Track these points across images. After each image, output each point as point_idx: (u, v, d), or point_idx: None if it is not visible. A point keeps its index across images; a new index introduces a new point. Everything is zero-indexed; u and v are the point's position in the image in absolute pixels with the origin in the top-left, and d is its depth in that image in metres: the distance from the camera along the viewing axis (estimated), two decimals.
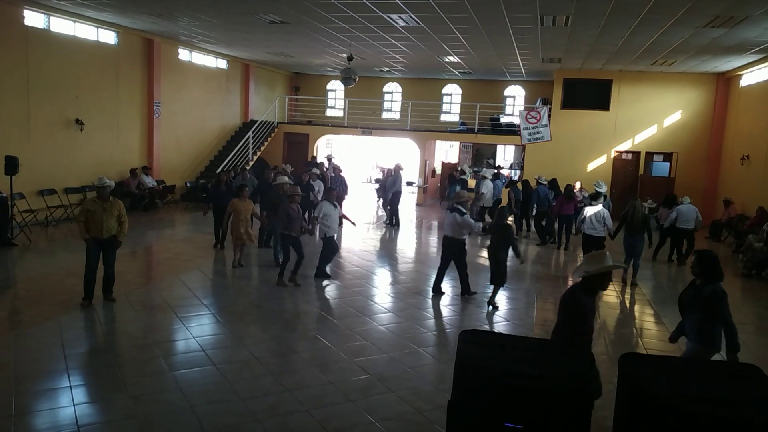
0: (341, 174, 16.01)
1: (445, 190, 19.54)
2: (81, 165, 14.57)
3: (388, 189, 16.00)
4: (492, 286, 8.86)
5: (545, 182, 14.95)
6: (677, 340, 5.39)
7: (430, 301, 8.99)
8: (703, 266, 4.90)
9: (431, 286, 9.44)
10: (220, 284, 9.50)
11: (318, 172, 14.74)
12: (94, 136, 14.98)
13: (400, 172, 16.14)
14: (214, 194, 12.21)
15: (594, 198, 11.54)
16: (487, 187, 15.41)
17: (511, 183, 16.76)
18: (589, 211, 10.94)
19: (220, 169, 18.27)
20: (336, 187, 12.65)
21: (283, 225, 9.41)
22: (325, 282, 9.73)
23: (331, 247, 9.85)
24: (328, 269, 10.08)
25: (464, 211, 8.94)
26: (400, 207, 16.19)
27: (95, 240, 7.69)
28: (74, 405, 5.10)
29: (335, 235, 9.93)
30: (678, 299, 5.19)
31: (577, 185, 15.70)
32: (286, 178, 11.43)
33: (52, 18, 13.59)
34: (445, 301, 9.02)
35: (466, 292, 9.13)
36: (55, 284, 8.67)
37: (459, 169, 18.12)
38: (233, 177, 14.46)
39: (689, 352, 4.98)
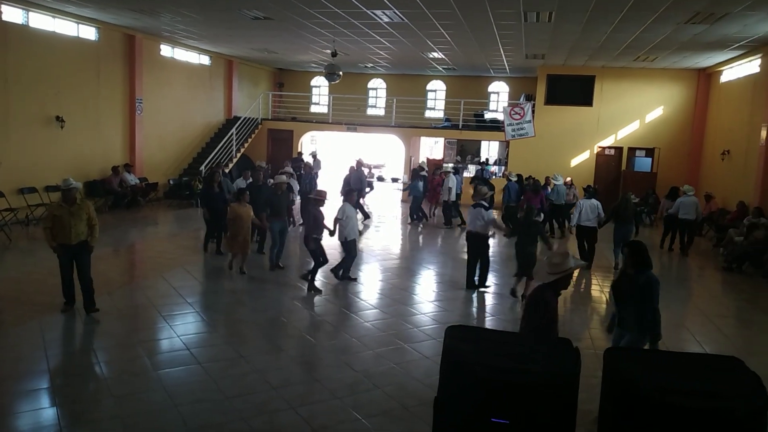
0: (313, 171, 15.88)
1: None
2: (62, 163, 14.37)
3: (354, 185, 14.73)
4: (515, 278, 9.20)
5: (515, 178, 15.58)
6: (612, 331, 5.51)
7: (416, 297, 9.00)
8: (636, 257, 5.13)
9: (417, 283, 9.47)
10: (205, 283, 9.43)
11: (291, 171, 14.26)
12: (75, 133, 14.78)
13: (362, 168, 15.78)
14: (206, 196, 11.35)
15: (588, 191, 12.10)
16: (453, 182, 15.60)
17: (475, 178, 16.99)
18: (584, 203, 11.44)
19: (207, 167, 18.07)
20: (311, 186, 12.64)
21: (308, 228, 9.09)
22: (351, 284, 9.45)
23: (351, 251, 9.47)
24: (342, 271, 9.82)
25: (488, 206, 9.37)
26: (367, 201, 16.02)
27: (64, 247, 7.12)
28: (56, 406, 5.04)
29: (356, 239, 9.57)
30: (612, 290, 5.43)
31: (568, 179, 15.84)
32: (284, 177, 10.98)
33: (30, 13, 13.36)
34: (431, 297, 9.03)
35: (482, 285, 9.38)
36: (36, 284, 8.54)
37: (419, 165, 18.44)
38: (224, 175, 13.55)
39: (631, 343, 5.10)
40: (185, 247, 11.82)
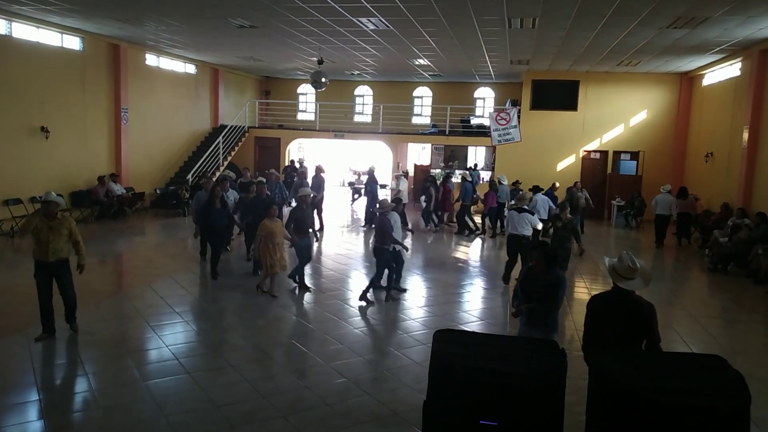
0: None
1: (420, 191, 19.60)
2: (47, 173, 14.27)
3: (314, 191, 14.07)
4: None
5: (470, 179, 16.41)
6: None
7: (405, 303, 9.01)
8: (546, 256, 5.23)
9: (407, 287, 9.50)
10: (193, 292, 9.38)
11: (263, 179, 13.00)
12: (60, 143, 14.68)
13: (322, 174, 15.28)
14: (205, 213, 10.10)
15: (534, 189, 14.14)
16: (405, 185, 16.03)
17: (427, 179, 17.20)
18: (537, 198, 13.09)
19: (197, 176, 17.87)
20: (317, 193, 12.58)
21: (378, 239, 8.95)
22: (399, 294, 9.32)
23: (398, 260, 9.35)
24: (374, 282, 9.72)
25: (533, 212, 10.30)
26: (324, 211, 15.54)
27: (40, 265, 6.69)
28: (44, 418, 4.99)
29: (400, 249, 9.39)
30: (519, 288, 5.44)
31: (557, 184, 16.08)
32: (308, 189, 10.48)
33: (14, 24, 13.28)
34: (420, 302, 9.05)
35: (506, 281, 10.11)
36: (22, 296, 8.43)
37: (404, 171, 18.98)
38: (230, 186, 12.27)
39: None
40: (173, 257, 11.76)
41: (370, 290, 8.97)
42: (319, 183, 15.23)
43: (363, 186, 18.50)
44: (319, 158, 21.28)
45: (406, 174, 17.67)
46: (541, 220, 11.51)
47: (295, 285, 9.53)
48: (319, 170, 15.59)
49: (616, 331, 4.30)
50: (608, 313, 4.36)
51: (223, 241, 10.04)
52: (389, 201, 9.36)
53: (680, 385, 3.21)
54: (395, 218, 9.09)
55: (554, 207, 12.97)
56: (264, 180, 12.07)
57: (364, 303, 8.76)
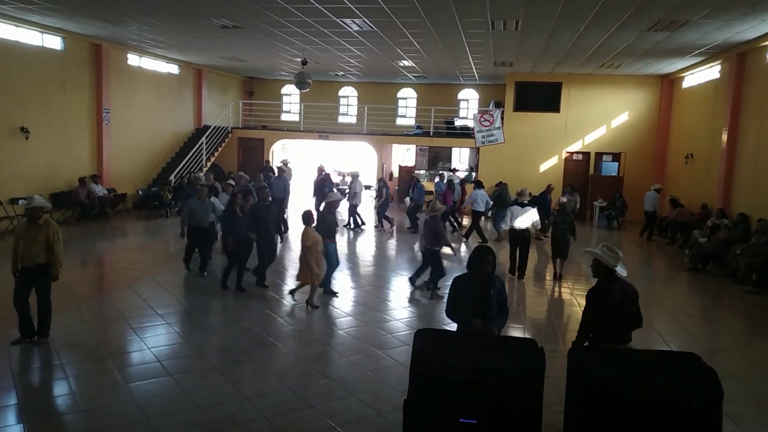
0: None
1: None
2: (27, 174, 14.10)
3: (275, 193, 13.72)
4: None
5: (422, 181, 17.60)
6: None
7: (389, 303, 9.04)
8: (491, 260, 4.98)
9: (390, 289, 9.55)
10: (175, 294, 9.31)
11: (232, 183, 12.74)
12: (40, 144, 14.50)
13: (284, 175, 14.85)
14: (230, 222, 9.28)
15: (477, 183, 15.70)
16: (360, 186, 16.15)
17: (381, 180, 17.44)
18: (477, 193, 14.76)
19: (179, 177, 17.78)
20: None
21: (428, 241, 9.38)
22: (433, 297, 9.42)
23: (436, 260, 9.49)
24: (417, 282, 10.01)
25: (533, 207, 11.13)
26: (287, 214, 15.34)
27: (20, 268, 6.60)
28: (24, 423, 4.94)
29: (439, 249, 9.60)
30: (462, 301, 4.97)
31: (551, 186, 16.89)
32: (338, 194, 10.15)
33: None
34: (404, 303, 9.07)
35: (522, 276, 10.84)
36: (2, 299, 8.34)
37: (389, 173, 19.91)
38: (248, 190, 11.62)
39: None
40: (155, 258, 11.68)
41: (434, 284, 9.50)
42: (283, 184, 15.05)
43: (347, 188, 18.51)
44: (322, 159, 21.07)
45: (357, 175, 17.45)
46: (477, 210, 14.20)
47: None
48: (281, 170, 15.37)
49: (617, 318, 4.65)
50: (609, 302, 4.64)
51: (247, 250, 9.42)
52: (438, 204, 9.73)
53: (655, 381, 3.27)
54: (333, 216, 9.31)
55: (490, 202, 15.27)
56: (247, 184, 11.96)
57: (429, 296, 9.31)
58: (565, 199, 12.61)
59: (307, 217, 8.55)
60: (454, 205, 16.36)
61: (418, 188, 16.38)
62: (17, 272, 6.68)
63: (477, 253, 4.97)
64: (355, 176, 16.47)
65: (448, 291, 5.07)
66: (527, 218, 10.71)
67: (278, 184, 14.70)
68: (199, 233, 10.25)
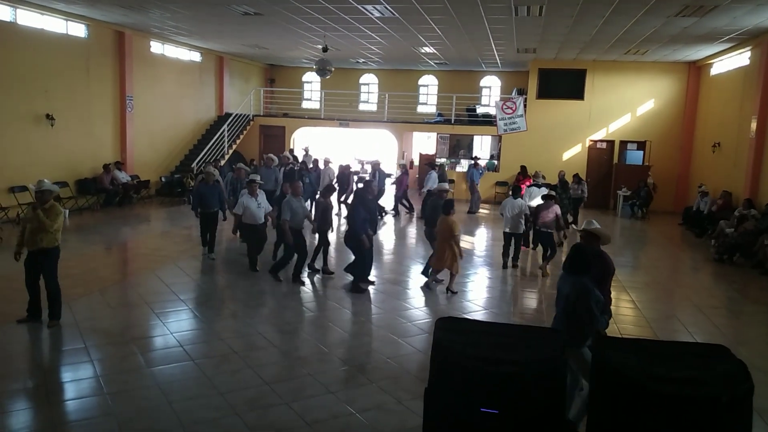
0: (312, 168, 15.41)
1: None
2: (52, 161, 14.31)
3: (265, 185, 12.21)
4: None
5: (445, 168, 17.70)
6: None
7: (409, 291, 9.02)
8: None
9: (421, 272, 9.73)
10: (197, 279, 9.40)
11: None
12: (65, 131, 14.70)
13: (273, 165, 13.70)
14: (324, 220, 9.52)
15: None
16: (333, 173, 15.70)
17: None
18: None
19: (200, 164, 17.84)
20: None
21: (513, 225, 10.36)
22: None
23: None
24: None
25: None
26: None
27: (28, 252, 6.82)
28: (50, 404, 5.03)
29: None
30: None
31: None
32: (375, 183, 10.12)
33: (18, 10, 13.26)
34: (421, 292, 9.04)
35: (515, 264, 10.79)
36: (23, 282, 8.48)
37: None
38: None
39: None
40: (178, 244, 11.79)
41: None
42: (270, 175, 13.55)
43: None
44: (343, 154, 20.92)
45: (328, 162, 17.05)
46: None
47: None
48: (269, 160, 13.99)
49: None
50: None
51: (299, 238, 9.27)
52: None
53: (682, 374, 3.20)
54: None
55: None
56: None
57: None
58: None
59: (448, 206, 8.74)
60: (406, 189, 16.54)
61: (430, 177, 15.91)
62: (19, 255, 6.93)
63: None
64: (328, 163, 15.98)
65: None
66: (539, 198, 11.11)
67: (268, 175, 13.15)
68: (254, 229, 9.83)
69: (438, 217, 8.96)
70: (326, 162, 15.90)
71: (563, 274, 4.91)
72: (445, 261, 8.68)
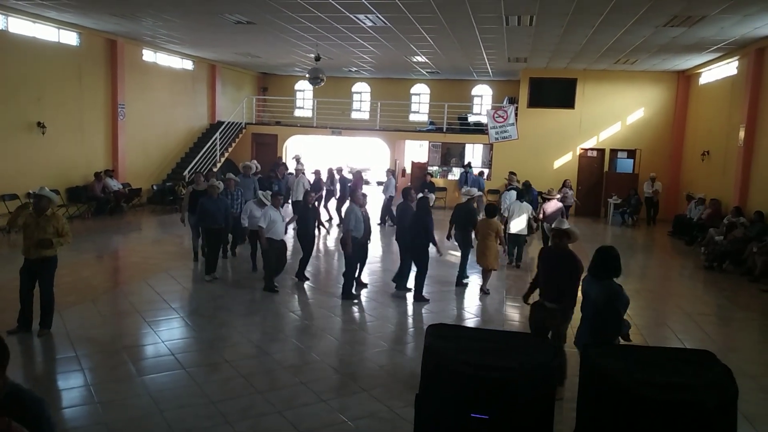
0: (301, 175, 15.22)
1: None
2: (44, 169, 14.25)
3: (245, 195, 11.75)
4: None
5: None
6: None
7: (401, 300, 9.03)
8: None
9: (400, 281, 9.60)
10: (189, 288, 9.39)
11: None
12: (56, 139, 14.66)
13: (251, 173, 13.10)
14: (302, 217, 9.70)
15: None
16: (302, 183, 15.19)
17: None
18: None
19: (191, 172, 17.76)
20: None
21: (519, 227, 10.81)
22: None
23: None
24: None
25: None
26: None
27: (25, 260, 6.69)
28: None
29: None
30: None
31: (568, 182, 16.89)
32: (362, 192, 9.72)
33: (10, 18, 13.25)
34: (410, 299, 9.05)
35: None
36: (15, 291, 8.42)
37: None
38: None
39: None
40: (169, 253, 11.76)
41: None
42: (249, 184, 13.00)
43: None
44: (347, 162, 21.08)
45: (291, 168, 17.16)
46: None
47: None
48: (247, 169, 13.30)
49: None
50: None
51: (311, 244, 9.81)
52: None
53: (669, 379, 3.24)
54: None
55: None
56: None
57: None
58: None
59: (492, 210, 9.48)
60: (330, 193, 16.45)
61: (390, 183, 16.29)
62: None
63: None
64: (390, 172, 16.92)
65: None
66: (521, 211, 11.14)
67: (246, 184, 12.51)
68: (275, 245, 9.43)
69: (407, 219, 9.07)
70: (340, 170, 16.47)
71: (588, 277, 4.95)
72: (488, 258, 9.26)
